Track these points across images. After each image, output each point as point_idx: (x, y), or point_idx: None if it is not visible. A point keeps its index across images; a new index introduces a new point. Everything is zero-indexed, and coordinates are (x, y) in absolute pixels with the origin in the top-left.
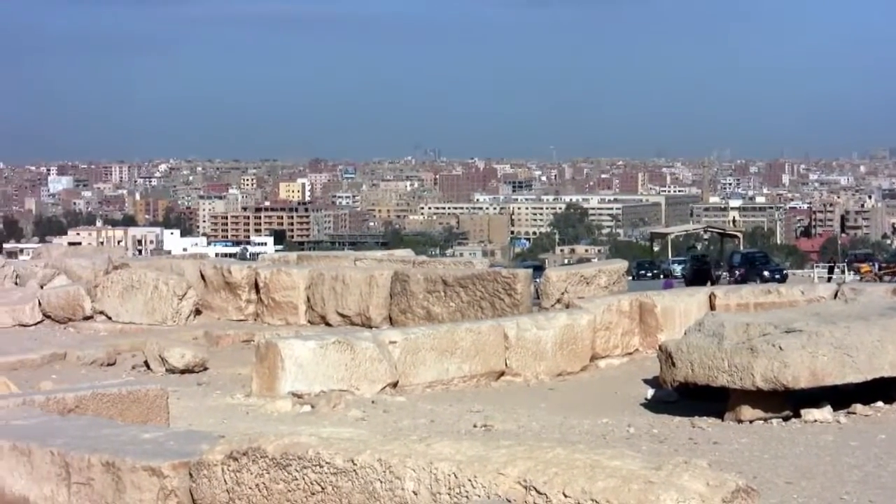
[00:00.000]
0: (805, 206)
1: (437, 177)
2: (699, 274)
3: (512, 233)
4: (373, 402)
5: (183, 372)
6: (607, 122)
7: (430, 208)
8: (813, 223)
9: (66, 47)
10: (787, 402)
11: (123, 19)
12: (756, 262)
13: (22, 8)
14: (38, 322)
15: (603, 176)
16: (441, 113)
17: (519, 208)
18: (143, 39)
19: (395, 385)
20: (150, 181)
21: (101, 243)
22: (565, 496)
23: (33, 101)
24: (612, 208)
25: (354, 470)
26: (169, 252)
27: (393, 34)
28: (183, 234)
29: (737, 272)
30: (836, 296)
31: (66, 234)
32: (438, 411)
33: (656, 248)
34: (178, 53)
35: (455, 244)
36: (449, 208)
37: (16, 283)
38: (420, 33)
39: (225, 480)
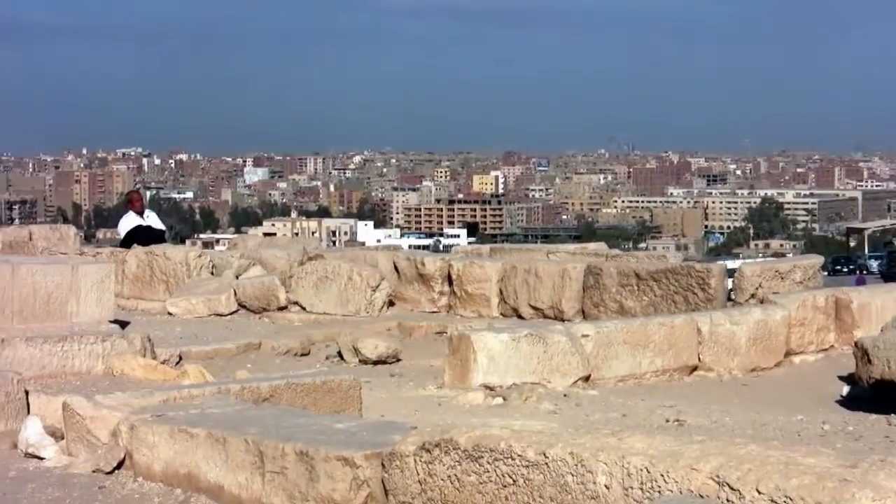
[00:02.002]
0: None
1: (631, 170)
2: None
3: (706, 227)
4: (564, 395)
5: (376, 363)
6: (803, 116)
7: (623, 202)
8: None
9: (263, 40)
10: None
11: (321, 12)
12: None
13: (223, 3)
14: (234, 312)
15: (798, 170)
16: (635, 106)
17: (713, 202)
18: (339, 32)
19: (586, 379)
20: (345, 173)
21: (296, 234)
22: (759, 493)
23: (230, 94)
24: (807, 203)
25: (546, 463)
26: (363, 243)
27: (586, 27)
28: (376, 226)
29: None
30: None
31: (261, 224)
32: (630, 405)
33: (852, 244)
34: (373, 46)
35: (648, 238)
36: (642, 202)
37: (212, 273)
38: (612, 26)
39: (417, 472)
